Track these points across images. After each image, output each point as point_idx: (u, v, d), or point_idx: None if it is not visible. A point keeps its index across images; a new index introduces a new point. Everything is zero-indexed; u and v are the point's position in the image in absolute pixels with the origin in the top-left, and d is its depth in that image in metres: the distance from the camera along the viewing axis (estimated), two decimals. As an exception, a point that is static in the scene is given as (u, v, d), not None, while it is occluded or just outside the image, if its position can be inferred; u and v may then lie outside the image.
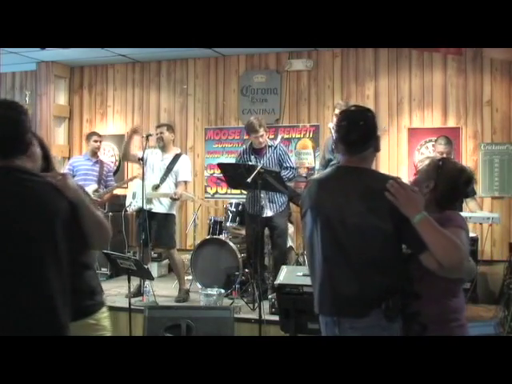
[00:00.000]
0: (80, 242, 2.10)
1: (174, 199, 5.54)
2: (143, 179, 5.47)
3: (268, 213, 5.43)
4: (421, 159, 2.69)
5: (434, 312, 2.23)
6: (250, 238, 5.33)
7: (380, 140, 2.39)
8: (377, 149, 2.36)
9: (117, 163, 7.89)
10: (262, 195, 5.22)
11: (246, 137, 7.33)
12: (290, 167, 5.50)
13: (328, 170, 2.56)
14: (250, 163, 5.40)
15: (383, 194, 2.15)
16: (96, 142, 6.62)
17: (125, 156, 5.85)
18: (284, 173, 5.42)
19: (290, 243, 6.18)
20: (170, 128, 5.96)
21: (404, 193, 2.14)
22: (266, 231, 5.67)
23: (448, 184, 2.38)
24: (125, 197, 6.42)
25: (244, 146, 5.99)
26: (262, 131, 5.46)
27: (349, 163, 2.33)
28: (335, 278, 2.25)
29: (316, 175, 2.57)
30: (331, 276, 2.26)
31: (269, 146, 5.56)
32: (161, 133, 5.79)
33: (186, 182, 5.90)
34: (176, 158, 5.75)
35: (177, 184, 5.70)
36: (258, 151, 5.57)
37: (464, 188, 2.45)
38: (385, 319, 2.15)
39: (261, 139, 5.47)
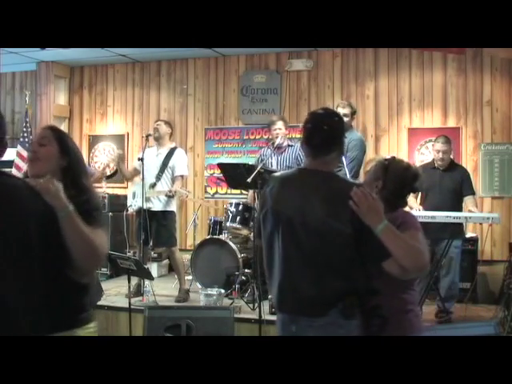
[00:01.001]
0: (63, 254, 1.91)
1: (169, 196, 5.52)
2: (143, 179, 5.46)
3: None
4: (368, 160, 2.74)
5: (393, 305, 2.35)
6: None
7: (344, 144, 2.42)
8: (341, 153, 2.42)
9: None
10: None
11: (246, 137, 7.36)
12: None
13: (289, 171, 2.59)
14: (268, 160, 5.53)
15: (345, 199, 2.17)
16: None
17: (127, 177, 5.96)
18: None
19: None
20: (168, 124, 5.92)
21: (366, 202, 2.16)
22: None
23: (396, 182, 2.47)
24: (125, 197, 6.43)
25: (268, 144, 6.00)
26: (279, 124, 5.55)
27: (311, 166, 2.36)
28: (294, 277, 2.29)
29: (277, 174, 2.57)
30: (290, 276, 2.30)
31: (289, 146, 5.67)
32: (158, 125, 5.77)
33: (182, 177, 5.83)
34: (171, 152, 5.69)
35: (173, 179, 5.66)
36: (278, 149, 5.61)
37: (411, 183, 2.53)
38: (342, 317, 2.20)
39: (278, 131, 5.54)
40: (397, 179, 2.48)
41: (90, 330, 2.16)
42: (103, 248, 2.01)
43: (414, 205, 4.99)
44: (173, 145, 5.87)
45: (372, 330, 2.30)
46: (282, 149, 5.61)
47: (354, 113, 5.43)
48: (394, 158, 2.59)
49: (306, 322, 2.27)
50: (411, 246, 2.20)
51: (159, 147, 5.75)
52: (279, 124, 5.56)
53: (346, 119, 5.23)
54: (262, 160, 5.63)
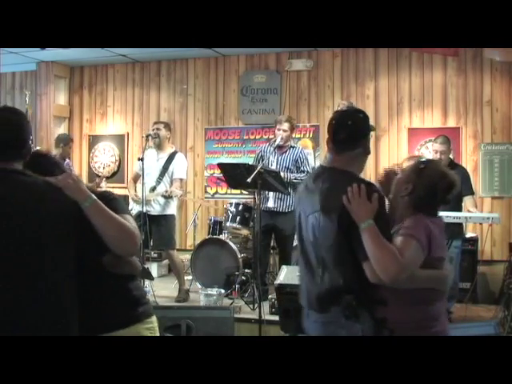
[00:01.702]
0: (100, 248, 1.95)
1: (165, 197, 5.53)
2: (143, 182, 5.47)
3: (270, 203, 5.49)
4: (407, 157, 2.60)
5: (402, 319, 2.19)
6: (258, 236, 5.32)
7: (369, 142, 2.38)
8: (366, 151, 2.36)
9: (117, 163, 7.89)
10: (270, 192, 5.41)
11: (246, 137, 7.36)
12: (307, 172, 5.54)
13: (316, 169, 2.64)
14: (269, 159, 5.53)
15: (341, 195, 2.16)
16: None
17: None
18: (298, 175, 5.49)
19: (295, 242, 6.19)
20: (168, 126, 5.92)
21: (358, 198, 2.13)
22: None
23: (426, 189, 2.29)
24: (126, 197, 6.42)
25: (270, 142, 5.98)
26: (285, 126, 5.50)
27: (331, 163, 2.36)
28: (303, 273, 2.42)
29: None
30: (301, 271, 2.44)
31: (291, 147, 5.63)
32: (157, 129, 5.75)
33: (181, 180, 5.87)
34: (171, 157, 5.72)
35: (172, 182, 5.69)
36: (279, 148, 5.59)
37: (443, 195, 2.33)
38: (343, 317, 2.19)
39: (282, 133, 5.50)
40: (428, 187, 2.29)
41: (151, 324, 2.24)
42: (136, 230, 2.04)
43: (471, 206, 5.06)
44: (173, 149, 5.90)
45: None
46: (283, 149, 5.59)
47: None
48: (431, 162, 2.41)
49: (313, 316, 2.35)
50: (385, 251, 2.08)
51: (159, 152, 5.76)
52: (285, 125, 5.51)
53: None
54: (261, 156, 5.63)
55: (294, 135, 6.06)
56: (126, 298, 2.16)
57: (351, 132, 2.30)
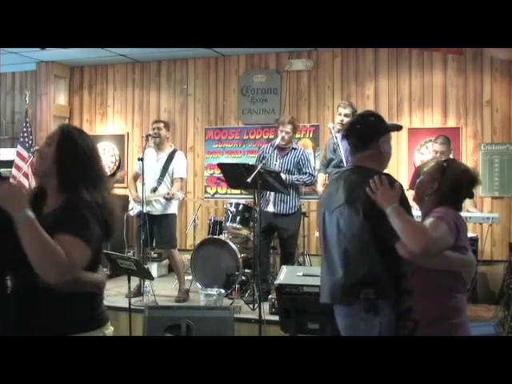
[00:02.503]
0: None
1: (167, 199, 5.52)
2: (143, 182, 5.47)
3: (270, 208, 5.48)
4: (425, 161, 2.68)
5: (428, 309, 2.26)
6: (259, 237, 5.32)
7: (385, 143, 2.50)
8: (379, 151, 2.48)
9: (117, 163, 7.89)
10: (271, 193, 5.43)
11: (246, 137, 7.36)
12: (309, 173, 5.55)
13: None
14: (272, 161, 5.52)
15: (364, 188, 2.32)
16: None
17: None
18: (300, 176, 5.51)
19: None
20: (167, 126, 5.91)
21: (381, 187, 2.28)
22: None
23: (451, 185, 2.42)
24: (126, 197, 6.42)
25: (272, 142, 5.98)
26: (288, 128, 5.49)
27: (352, 162, 2.56)
28: (326, 269, 2.50)
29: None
30: (324, 268, 2.52)
31: (292, 148, 5.61)
32: (158, 128, 5.73)
33: (181, 179, 5.86)
34: (171, 156, 5.71)
35: (173, 182, 5.69)
36: (281, 149, 5.58)
37: (467, 189, 2.47)
38: (363, 310, 2.27)
39: (284, 135, 5.49)
40: (453, 182, 2.43)
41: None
42: (69, 259, 1.84)
43: (471, 206, 5.08)
44: (172, 148, 5.87)
45: (402, 332, 2.29)
46: (285, 150, 5.57)
47: (354, 113, 5.43)
48: (453, 160, 2.56)
49: (338, 310, 2.45)
50: (413, 225, 2.25)
51: (159, 152, 5.75)
52: (288, 127, 5.49)
53: (346, 119, 5.27)
54: (263, 157, 5.62)
55: (296, 136, 6.05)
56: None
57: (360, 135, 2.48)
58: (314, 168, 5.88)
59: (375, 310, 2.25)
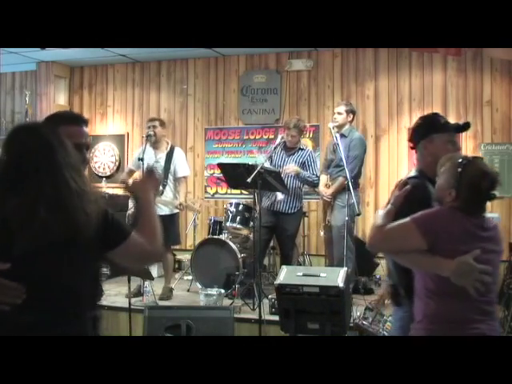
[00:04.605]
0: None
1: (179, 209, 5.57)
2: None
3: (271, 206, 5.56)
4: (444, 160, 2.57)
5: (415, 310, 2.28)
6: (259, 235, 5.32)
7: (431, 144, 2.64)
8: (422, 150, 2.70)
9: (117, 163, 7.89)
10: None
11: (246, 137, 7.36)
12: (315, 175, 5.58)
13: None
14: (280, 160, 5.58)
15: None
16: None
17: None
18: (309, 175, 5.54)
19: None
20: (163, 124, 5.79)
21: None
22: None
23: (469, 191, 2.25)
24: (125, 197, 6.42)
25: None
26: (293, 132, 5.53)
27: None
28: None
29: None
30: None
31: (300, 149, 5.65)
32: (153, 126, 5.62)
33: (185, 177, 5.82)
34: (169, 155, 5.64)
35: (176, 181, 5.64)
36: (288, 149, 5.62)
37: (487, 193, 2.30)
38: (394, 304, 2.53)
39: (290, 138, 5.55)
40: (472, 188, 2.26)
41: None
42: None
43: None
44: (169, 146, 5.76)
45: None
46: (291, 151, 5.61)
47: (350, 111, 5.45)
48: (469, 161, 2.31)
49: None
50: (377, 221, 2.34)
51: (157, 151, 5.66)
52: (293, 131, 5.53)
53: (340, 117, 5.33)
54: (271, 157, 5.68)
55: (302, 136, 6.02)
56: None
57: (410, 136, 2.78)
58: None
59: (398, 304, 2.49)
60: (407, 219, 2.24)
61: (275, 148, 5.66)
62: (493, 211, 6.22)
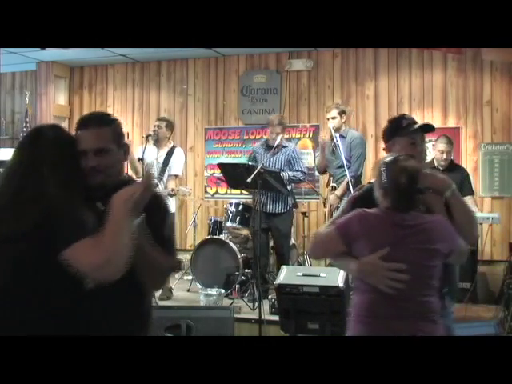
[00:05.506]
0: None
1: (171, 195, 5.46)
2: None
3: (264, 207, 5.56)
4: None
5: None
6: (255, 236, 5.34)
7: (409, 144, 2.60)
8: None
9: (117, 163, 7.88)
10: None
11: (246, 137, 7.36)
12: (300, 171, 5.59)
13: None
14: (264, 161, 5.52)
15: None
16: None
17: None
18: (293, 173, 5.55)
19: (292, 241, 6.20)
20: (170, 125, 5.80)
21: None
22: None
23: (391, 189, 2.28)
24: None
25: (262, 141, 6.06)
26: (277, 129, 5.55)
27: None
28: None
29: None
30: None
31: (283, 147, 5.64)
32: (158, 126, 5.67)
33: (176, 176, 5.76)
34: (170, 152, 5.65)
35: (168, 177, 5.60)
36: (271, 148, 5.60)
37: (408, 187, 2.27)
38: None
39: (274, 135, 5.56)
40: (392, 185, 2.29)
41: None
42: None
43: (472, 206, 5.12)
44: (171, 144, 5.79)
45: None
46: (276, 149, 5.59)
47: (342, 112, 5.45)
48: (392, 160, 2.32)
49: None
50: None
51: (159, 149, 5.69)
52: (278, 129, 5.56)
53: (335, 121, 5.34)
54: (254, 157, 5.69)
55: (288, 134, 6.09)
56: None
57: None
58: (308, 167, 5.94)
59: None
60: (332, 225, 2.37)
61: (257, 147, 5.71)
62: (493, 211, 6.23)
